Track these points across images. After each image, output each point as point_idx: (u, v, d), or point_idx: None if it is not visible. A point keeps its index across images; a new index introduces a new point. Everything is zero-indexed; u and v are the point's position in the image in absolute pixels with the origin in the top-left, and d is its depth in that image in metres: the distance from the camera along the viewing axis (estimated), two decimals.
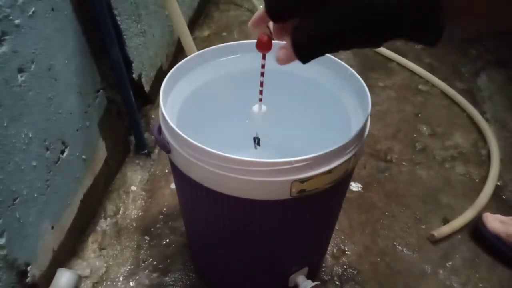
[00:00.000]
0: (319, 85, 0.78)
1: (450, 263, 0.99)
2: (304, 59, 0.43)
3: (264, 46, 0.53)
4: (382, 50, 1.73)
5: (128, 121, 1.18)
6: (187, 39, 1.13)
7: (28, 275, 0.79)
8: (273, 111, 0.89)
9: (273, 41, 0.52)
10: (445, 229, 1.03)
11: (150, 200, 1.13)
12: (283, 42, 0.44)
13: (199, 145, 0.56)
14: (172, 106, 0.70)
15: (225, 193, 0.60)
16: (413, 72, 1.63)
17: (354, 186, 1.18)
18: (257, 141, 0.73)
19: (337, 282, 0.95)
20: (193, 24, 1.86)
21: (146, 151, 1.24)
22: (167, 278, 0.95)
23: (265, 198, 0.59)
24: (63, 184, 0.90)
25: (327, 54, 0.71)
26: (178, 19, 1.09)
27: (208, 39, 1.83)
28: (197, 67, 0.77)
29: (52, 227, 0.87)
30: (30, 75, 0.74)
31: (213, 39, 1.83)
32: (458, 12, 0.33)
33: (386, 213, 1.10)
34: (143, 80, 1.27)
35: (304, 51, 0.42)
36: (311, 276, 0.82)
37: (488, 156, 1.26)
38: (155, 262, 0.98)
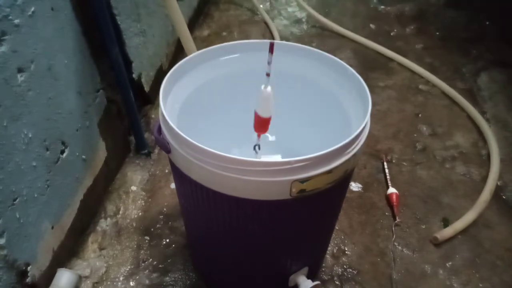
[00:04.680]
0: (319, 85, 0.78)
1: (450, 263, 0.99)
2: None
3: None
4: (383, 50, 1.73)
5: (128, 121, 1.18)
6: (187, 39, 1.13)
7: (28, 275, 0.79)
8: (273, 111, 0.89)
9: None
10: (448, 232, 1.03)
11: (150, 200, 1.13)
12: None
13: (199, 145, 0.56)
14: (172, 106, 0.70)
15: (225, 193, 0.60)
16: (413, 72, 1.63)
17: (354, 186, 1.17)
18: (257, 147, 0.73)
19: (337, 282, 0.95)
20: (193, 24, 1.86)
21: (146, 151, 1.24)
22: (167, 278, 0.95)
23: (265, 198, 0.59)
24: (63, 184, 0.90)
25: (327, 54, 0.72)
26: (178, 19, 1.08)
27: (208, 39, 1.83)
28: (197, 67, 0.77)
29: (52, 227, 0.87)
30: (30, 75, 0.74)
31: (213, 39, 1.83)
32: None
33: (386, 213, 1.10)
34: (143, 80, 1.27)
35: None
36: (311, 276, 0.82)
37: (489, 156, 1.25)
38: (155, 262, 0.98)
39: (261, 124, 0.64)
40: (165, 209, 1.10)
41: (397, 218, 1.07)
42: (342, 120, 0.71)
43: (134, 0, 1.17)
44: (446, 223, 1.08)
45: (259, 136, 0.69)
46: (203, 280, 0.94)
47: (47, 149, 0.83)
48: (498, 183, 1.17)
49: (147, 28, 1.27)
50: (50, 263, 0.87)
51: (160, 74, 1.40)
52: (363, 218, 1.09)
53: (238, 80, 0.82)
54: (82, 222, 1.00)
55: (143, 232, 1.05)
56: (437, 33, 1.89)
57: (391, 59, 1.70)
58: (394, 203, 1.10)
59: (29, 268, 0.79)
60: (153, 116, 1.35)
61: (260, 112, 0.63)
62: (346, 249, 1.02)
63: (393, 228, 1.06)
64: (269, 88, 0.60)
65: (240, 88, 0.84)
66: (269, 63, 0.56)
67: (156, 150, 1.27)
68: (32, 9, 0.74)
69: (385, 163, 1.23)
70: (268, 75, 0.58)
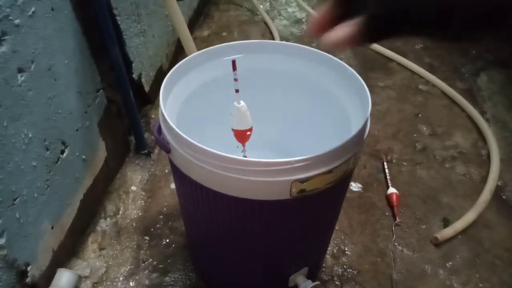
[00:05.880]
0: (319, 85, 0.78)
1: (450, 263, 0.99)
2: (376, 36, 0.37)
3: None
4: (382, 49, 1.73)
5: (128, 121, 1.18)
6: (187, 39, 1.13)
7: (28, 275, 0.79)
8: (273, 111, 0.89)
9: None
10: (448, 232, 1.03)
11: (150, 200, 1.13)
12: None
13: (199, 145, 0.56)
14: (172, 106, 0.70)
15: (225, 193, 0.60)
16: (413, 72, 1.63)
17: (354, 186, 1.17)
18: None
19: (337, 282, 0.95)
20: (193, 24, 1.86)
21: (146, 151, 1.24)
22: (167, 278, 0.95)
23: (265, 198, 0.59)
24: (63, 184, 0.90)
25: (327, 54, 0.72)
26: (178, 19, 1.09)
27: (208, 39, 1.83)
28: (197, 67, 0.77)
29: (52, 227, 0.87)
30: (30, 75, 0.74)
31: (213, 39, 1.83)
32: None
33: (386, 213, 1.10)
34: (143, 80, 1.27)
35: (380, 26, 0.37)
36: (311, 276, 0.82)
37: (488, 156, 1.25)
38: (155, 262, 0.98)
39: (244, 136, 0.64)
40: (165, 209, 1.10)
41: (397, 218, 1.07)
42: (342, 120, 0.71)
43: (134, 0, 1.17)
44: (446, 223, 1.08)
45: (244, 145, 0.68)
46: (203, 280, 0.94)
47: (47, 149, 0.83)
48: (498, 183, 1.17)
49: (147, 28, 1.27)
50: (50, 263, 0.87)
51: (160, 74, 1.40)
52: (363, 218, 1.09)
53: (238, 80, 0.81)
54: (82, 222, 1.00)
55: (143, 232, 1.05)
56: None
57: (390, 59, 1.70)
58: (394, 203, 1.10)
59: (29, 268, 0.79)
60: (153, 116, 1.35)
61: (239, 127, 0.63)
62: (346, 249, 1.02)
63: (393, 228, 1.06)
64: (242, 103, 0.60)
65: (240, 88, 0.84)
66: (235, 79, 0.57)
67: (156, 150, 1.27)
68: (32, 9, 0.74)
69: (385, 163, 1.23)
70: (237, 91, 0.58)
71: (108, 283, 0.94)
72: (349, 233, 1.05)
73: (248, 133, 0.64)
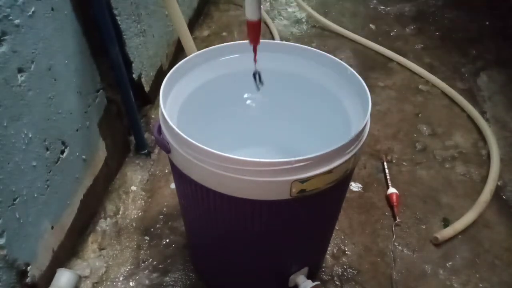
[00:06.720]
0: (319, 85, 0.78)
1: (450, 263, 0.99)
2: None
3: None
4: (382, 50, 1.73)
5: (128, 121, 1.18)
6: (187, 39, 1.13)
7: (28, 275, 0.79)
8: (273, 111, 0.89)
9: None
10: (448, 232, 1.03)
11: (150, 200, 1.13)
12: None
13: (199, 145, 0.56)
14: (172, 106, 0.70)
15: (225, 193, 0.60)
16: (413, 72, 1.63)
17: (354, 186, 1.17)
18: (258, 76, 0.68)
19: (337, 282, 0.95)
20: (193, 24, 1.86)
21: (146, 151, 1.24)
22: (167, 278, 0.95)
23: (265, 198, 0.59)
24: (63, 184, 0.90)
25: (327, 54, 0.71)
26: (178, 19, 1.09)
27: (208, 39, 1.83)
28: (197, 67, 0.77)
29: (52, 227, 0.87)
30: (30, 75, 0.74)
31: (213, 39, 1.83)
32: None
33: (386, 213, 1.10)
34: (143, 80, 1.27)
35: None
36: (311, 276, 0.82)
37: (488, 156, 1.25)
38: (155, 262, 0.98)
39: (255, 30, 0.62)
40: (165, 209, 1.10)
41: (397, 218, 1.07)
42: (342, 120, 0.72)
43: (134, 0, 1.17)
44: (446, 223, 1.08)
45: (254, 50, 0.65)
46: (203, 280, 0.94)
47: (47, 149, 0.83)
48: (498, 183, 1.17)
49: (147, 28, 1.27)
50: (50, 263, 0.87)
51: (160, 74, 1.40)
52: (363, 218, 1.09)
53: (238, 80, 0.82)
54: (82, 222, 1.00)
55: (143, 232, 1.05)
56: (437, 33, 1.89)
57: (390, 59, 1.70)
58: (394, 203, 1.10)
59: (29, 268, 0.79)
60: (153, 116, 1.35)
61: (253, 17, 0.59)
62: (346, 249, 1.02)
63: (393, 228, 1.06)
64: None
65: (240, 88, 0.84)
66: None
67: (156, 150, 1.27)
68: (32, 9, 0.74)
69: (385, 163, 1.23)
70: None
71: (108, 283, 0.94)
72: (349, 233, 1.05)
73: (259, 26, 0.62)
